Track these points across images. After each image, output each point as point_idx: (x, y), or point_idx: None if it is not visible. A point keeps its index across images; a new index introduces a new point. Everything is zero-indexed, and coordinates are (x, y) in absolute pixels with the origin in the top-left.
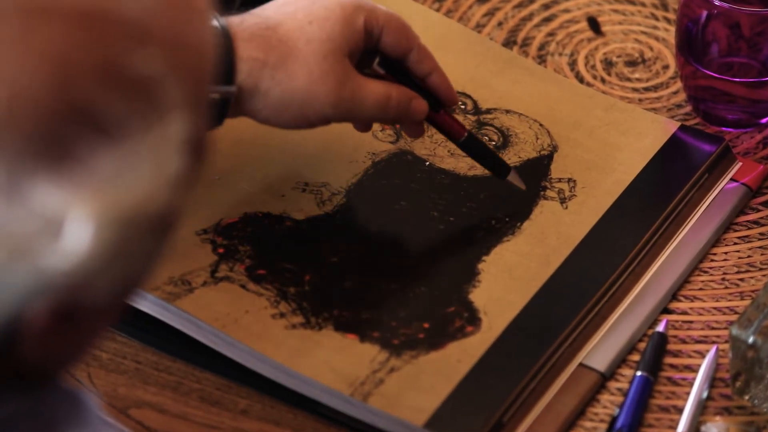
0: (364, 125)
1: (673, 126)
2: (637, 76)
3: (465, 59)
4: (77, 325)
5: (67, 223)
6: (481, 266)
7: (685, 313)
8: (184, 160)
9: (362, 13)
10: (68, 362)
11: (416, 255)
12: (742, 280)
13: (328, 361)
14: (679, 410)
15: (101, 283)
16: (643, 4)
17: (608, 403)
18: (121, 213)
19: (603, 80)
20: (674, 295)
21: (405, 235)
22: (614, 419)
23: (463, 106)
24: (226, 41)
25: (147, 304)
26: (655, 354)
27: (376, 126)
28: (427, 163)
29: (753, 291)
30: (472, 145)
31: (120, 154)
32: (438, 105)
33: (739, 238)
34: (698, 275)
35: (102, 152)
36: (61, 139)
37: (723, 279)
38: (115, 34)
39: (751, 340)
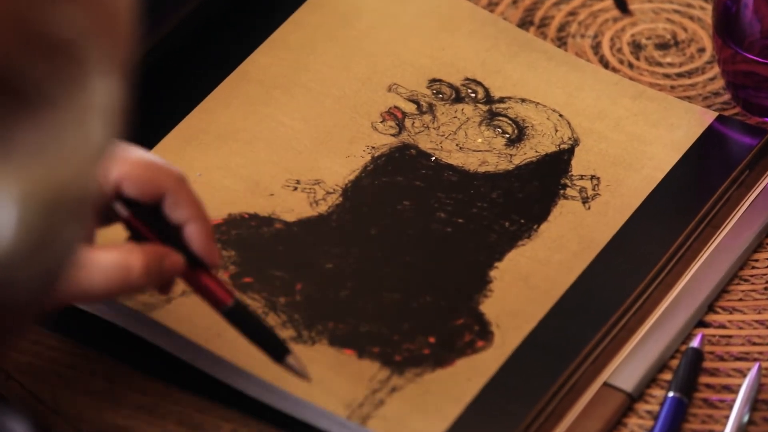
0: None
1: (709, 116)
2: (668, 60)
3: (475, 42)
4: None
5: None
6: (493, 273)
7: (722, 326)
8: (108, 132)
9: None
10: None
11: (421, 261)
12: None
13: (322, 380)
14: None
15: (23, 277)
16: None
17: (636, 428)
18: (47, 193)
19: (630, 65)
20: (710, 306)
21: (408, 238)
22: None
23: (473, 95)
24: None
25: (119, 315)
26: (689, 372)
27: (375, 117)
28: (433, 158)
29: None
30: (240, 317)
31: (43, 126)
32: (195, 262)
33: None
34: (738, 284)
35: (23, 123)
36: None
37: (766, 288)
38: None
39: None
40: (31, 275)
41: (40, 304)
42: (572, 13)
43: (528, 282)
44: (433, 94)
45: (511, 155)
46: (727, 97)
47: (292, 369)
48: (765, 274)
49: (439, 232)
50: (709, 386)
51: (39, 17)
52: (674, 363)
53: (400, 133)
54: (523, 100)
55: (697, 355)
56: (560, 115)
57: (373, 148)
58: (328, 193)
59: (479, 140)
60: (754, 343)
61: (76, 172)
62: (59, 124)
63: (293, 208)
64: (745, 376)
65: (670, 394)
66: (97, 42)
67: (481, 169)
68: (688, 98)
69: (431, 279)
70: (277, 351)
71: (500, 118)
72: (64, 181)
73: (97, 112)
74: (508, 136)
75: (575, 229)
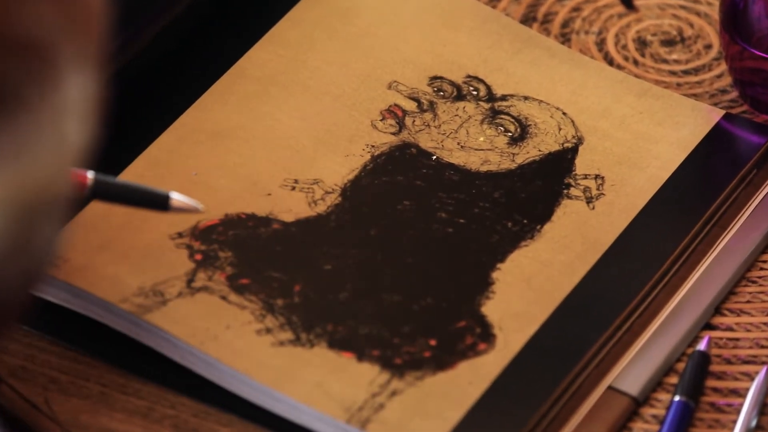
0: None
1: (716, 114)
2: (674, 57)
3: (477, 38)
4: None
5: None
6: (495, 275)
7: (730, 329)
8: (85, 129)
9: None
10: None
11: (421, 262)
12: None
13: (320, 384)
14: None
15: (1, 278)
16: None
17: None
18: (23, 196)
19: (636, 62)
20: (717, 308)
21: (408, 239)
22: None
23: (475, 93)
24: None
25: (114, 318)
26: (695, 376)
27: (375, 115)
28: (434, 157)
29: None
30: (108, 193)
31: (18, 129)
32: None
33: None
34: (745, 286)
35: None
36: None
37: None
38: None
39: None
40: (9, 276)
41: (20, 305)
42: (576, 9)
43: (531, 283)
44: (434, 91)
45: (513, 154)
46: (734, 94)
47: (183, 208)
48: None
49: (440, 233)
50: (716, 390)
51: (9, 18)
52: (680, 366)
53: (400, 131)
54: (525, 98)
55: (704, 358)
56: (564, 113)
57: (373, 146)
58: (327, 192)
59: (481, 139)
60: (762, 346)
61: (52, 174)
62: (34, 126)
63: (291, 208)
64: (752, 379)
65: (677, 398)
66: (69, 40)
67: (483, 169)
68: (695, 96)
69: (432, 280)
70: (161, 202)
71: (502, 116)
72: (40, 183)
73: (71, 111)
74: (510, 134)
75: (579, 230)
